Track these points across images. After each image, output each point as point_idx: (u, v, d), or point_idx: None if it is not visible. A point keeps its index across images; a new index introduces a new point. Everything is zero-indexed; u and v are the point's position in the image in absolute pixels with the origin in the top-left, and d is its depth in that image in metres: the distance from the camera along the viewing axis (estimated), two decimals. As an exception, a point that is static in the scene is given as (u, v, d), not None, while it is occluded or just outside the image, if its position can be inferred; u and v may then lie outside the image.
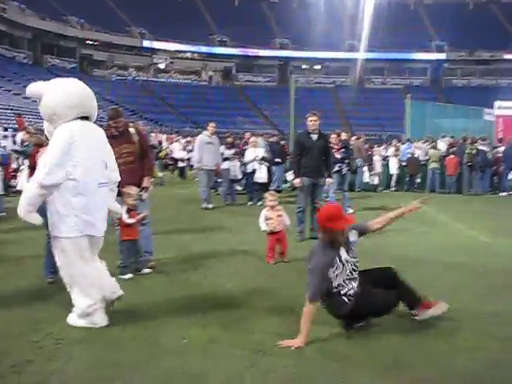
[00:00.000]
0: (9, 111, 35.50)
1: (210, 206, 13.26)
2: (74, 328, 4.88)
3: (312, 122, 9.04)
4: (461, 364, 4.17)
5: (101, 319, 4.96)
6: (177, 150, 24.15)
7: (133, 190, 6.80)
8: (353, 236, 4.90)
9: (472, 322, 5.12)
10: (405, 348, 4.47)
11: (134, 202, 6.79)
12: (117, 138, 6.99)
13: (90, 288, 4.95)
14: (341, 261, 4.71)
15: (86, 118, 5.12)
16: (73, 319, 4.99)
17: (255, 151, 14.53)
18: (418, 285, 6.23)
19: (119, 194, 6.68)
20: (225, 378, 3.89)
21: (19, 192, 8.89)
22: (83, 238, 4.89)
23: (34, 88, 5.14)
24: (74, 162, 4.80)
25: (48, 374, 3.97)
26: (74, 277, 4.95)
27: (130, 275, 6.70)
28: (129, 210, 6.74)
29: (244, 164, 14.69)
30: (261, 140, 17.24)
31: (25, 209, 4.79)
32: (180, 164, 23.04)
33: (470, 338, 4.71)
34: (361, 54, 66.80)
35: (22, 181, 12.98)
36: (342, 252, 4.76)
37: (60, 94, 4.98)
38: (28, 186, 4.96)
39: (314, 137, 9.05)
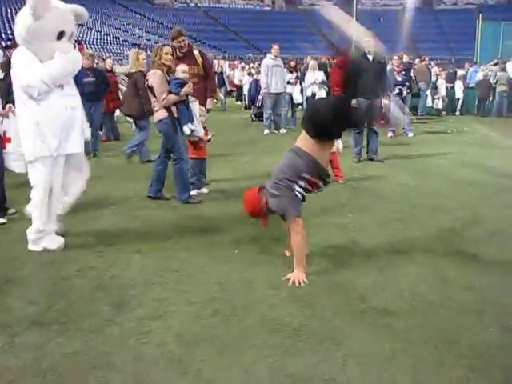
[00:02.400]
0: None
1: (267, 131, 13.36)
2: (132, 240, 5.22)
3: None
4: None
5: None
6: (238, 76, 24.08)
7: (201, 109, 6.94)
8: None
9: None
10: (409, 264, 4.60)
11: (201, 119, 6.93)
12: (181, 59, 7.15)
13: None
14: None
15: None
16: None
17: (315, 74, 14.39)
18: (465, 204, 6.32)
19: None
20: (271, 284, 4.13)
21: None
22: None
23: None
24: None
25: (108, 277, 4.33)
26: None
27: (195, 191, 6.97)
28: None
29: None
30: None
31: None
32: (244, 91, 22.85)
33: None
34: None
35: None
36: None
37: None
38: None
39: (370, 57, 8.93)
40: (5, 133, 6.13)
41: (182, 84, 6.38)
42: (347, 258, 4.66)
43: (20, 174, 6.12)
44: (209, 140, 7.14)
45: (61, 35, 4.79)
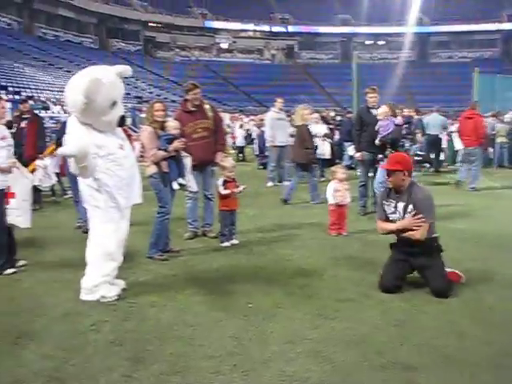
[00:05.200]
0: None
1: (271, 183, 13.41)
2: (145, 293, 5.21)
3: (371, 97, 9.08)
4: None
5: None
6: (237, 129, 24.30)
7: (229, 162, 7.10)
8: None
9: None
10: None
11: (230, 173, 7.08)
12: (192, 113, 7.27)
13: None
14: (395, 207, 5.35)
15: None
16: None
17: (317, 128, 14.54)
18: (474, 256, 6.32)
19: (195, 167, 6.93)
20: (288, 338, 4.12)
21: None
22: None
23: None
24: None
25: (123, 332, 4.30)
26: None
27: (227, 243, 7.09)
28: (225, 182, 7.04)
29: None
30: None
31: None
32: (238, 143, 22.79)
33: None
34: (425, 28, 65.16)
35: None
36: (400, 203, 5.29)
37: None
38: None
39: (374, 112, 9.07)
40: (8, 187, 5.95)
41: (172, 140, 6.52)
42: (362, 312, 4.65)
43: (24, 228, 6.22)
44: (239, 192, 7.21)
45: (113, 104, 4.95)
